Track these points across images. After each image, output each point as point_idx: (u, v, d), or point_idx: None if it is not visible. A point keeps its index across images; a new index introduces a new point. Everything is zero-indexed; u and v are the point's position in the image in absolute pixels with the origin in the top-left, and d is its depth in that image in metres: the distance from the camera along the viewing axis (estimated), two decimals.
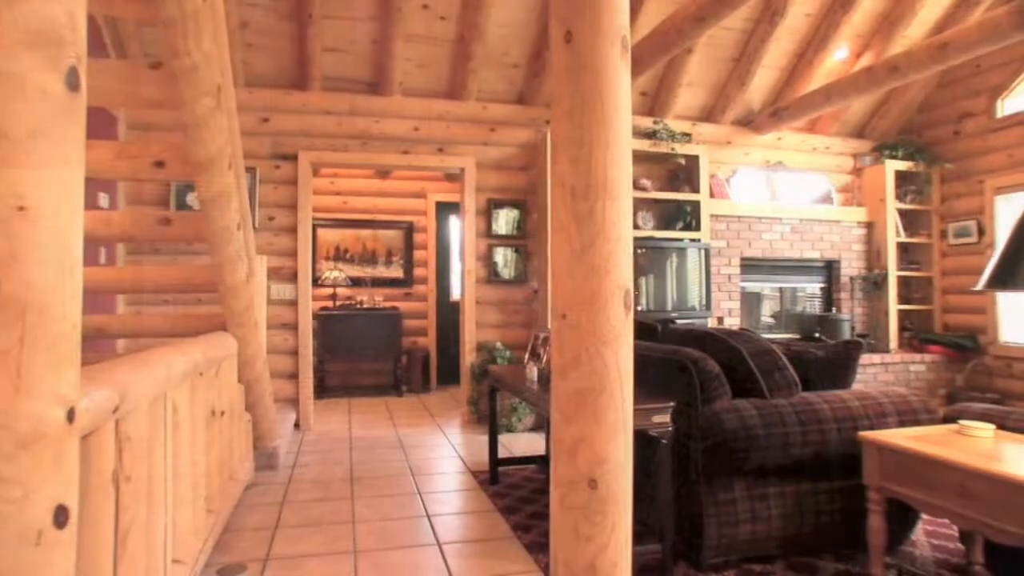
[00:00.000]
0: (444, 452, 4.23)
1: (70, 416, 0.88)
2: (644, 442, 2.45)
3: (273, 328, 4.74)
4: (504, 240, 5.28)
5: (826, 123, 6.01)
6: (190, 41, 1.88)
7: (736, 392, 2.52)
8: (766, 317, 5.91)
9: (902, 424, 2.50)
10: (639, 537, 2.43)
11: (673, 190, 5.40)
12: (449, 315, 7.07)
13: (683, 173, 5.47)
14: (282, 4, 4.34)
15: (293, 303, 4.87)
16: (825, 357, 2.81)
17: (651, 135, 5.27)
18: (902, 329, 5.86)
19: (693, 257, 5.21)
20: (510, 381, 3.32)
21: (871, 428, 2.43)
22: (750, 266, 5.67)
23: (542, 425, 4.75)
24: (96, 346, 4.06)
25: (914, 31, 5.25)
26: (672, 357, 2.56)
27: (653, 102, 5.52)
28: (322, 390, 6.29)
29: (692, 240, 5.27)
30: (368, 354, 6.46)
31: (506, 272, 5.26)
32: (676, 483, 2.47)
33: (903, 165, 5.87)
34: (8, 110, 0.81)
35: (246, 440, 3.31)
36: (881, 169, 5.86)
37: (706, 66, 5.30)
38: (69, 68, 0.87)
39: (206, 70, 1.99)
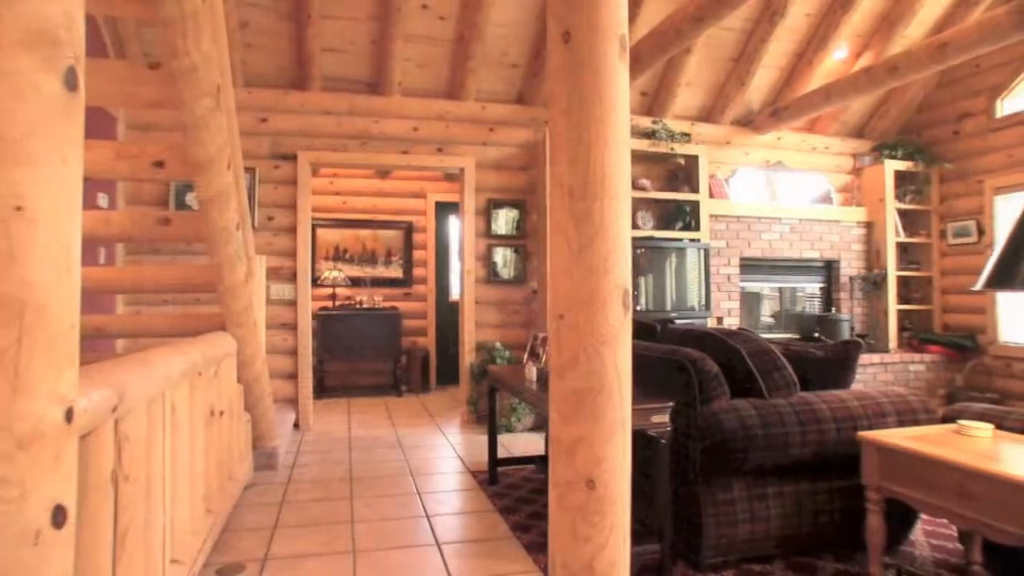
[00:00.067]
0: (443, 452, 4.23)
1: (68, 416, 0.88)
2: (643, 442, 2.45)
3: (272, 328, 4.74)
4: (503, 240, 5.28)
5: (825, 123, 6.01)
6: (189, 41, 1.88)
7: (735, 392, 2.52)
8: (765, 317, 5.91)
9: (901, 424, 2.50)
10: (638, 537, 2.43)
11: (672, 190, 5.40)
12: (448, 315, 7.07)
13: (682, 173, 5.47)
14: (281, 4, 4.34)
15: (292, 303, 4.87)
16: (824, 357, 2.81)
17: (650, 135, 5.27)
18: (901, 329, 5.86)
19: (692, 257, 5.21)
20: (509, 381, 3.32)
21: (870, 428, 2.43)
22: (749, 266, 5.67)
23: (541, 425, 4.75)
24: (95, 346, 4.06)
25: (914, 31, 5.26)
26: (671, 357, 2.56)
27: (652, 102, 5.52)
28: (321, 390, 6.29)
29: (691, 240, 5.27)
30: (367, 354, 6.46)
31: (505, 272, 5.26)
32: (675, 483, 2.47)
33: (903, 165, 5.88)
34: (6, 110, 0.81)
35: (245, 440, 3.31)
36: (880, 169, 5.86)
37: (705, 66, 5.30)
38: (67, 68, 0.87)
39: (205, 70, 1.99)
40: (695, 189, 5.35)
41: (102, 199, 4.17)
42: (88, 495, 1.28)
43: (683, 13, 3.87)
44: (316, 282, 6.36)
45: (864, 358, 5.37)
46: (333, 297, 6.73)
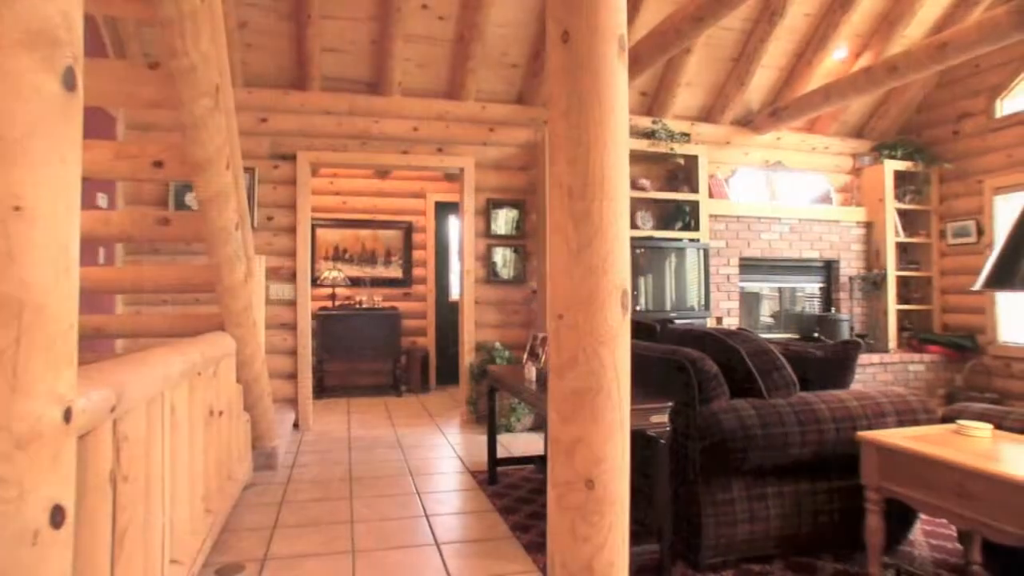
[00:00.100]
0: (443, 452, 4.23)
1: (67, 416, 0.88)
2: (642, 442, 2.45)
3: (272, 328, 4.74)
4: (503, 240, 5.28)
5: (825, 123, 6.01)
6: (188, 41, 1.88)
7: (734, 392, 2.52)
8: (765, 317, 5.91)
9: (901, 424, 2.50)
10: (637, 537, 2.43)
11: (672, 190, 5.40)
12: (448, 315, 7.07)
13: (682, 173, 5.47)
14: (281, 4, 4.33)
15: (292, 303, 4.87)
16: (824, 357, 2.81)
17: (650, 135, 5.27)
18: (901, 329, 5.86)
19: (692, 257, 5.21)
20: (509, 381, 3.32)
21: (869, 428, 2.44)
22: (749, 266, 5.67)
23: (541, 425, 4.75)
24: (95, 346, 4.06)
25: (913, 31, 5.26)
26: (670, 357, 2.56)
27: (652, 102, 5.52)
28: (321, 390, 6.29)
29: (691, 240, 5.27)
30: (367, 354, 6.46)
31: (505, 272, 5.26)
32: (674, 483, 2.47)
33: (902, 165, 5.88)
34: (4, 110, 0.81)
35: (245, 440, 3.31)
36: (880, 169, 5.86)
37: (705, 66, 5.30)
38: (66, 68, 0.87)
39: (204, 70, 1.99)
40: (695, 189, 5.35)
41: (101, 199, 4.17)
42: (86, 495, 1.28)
43: (683, 13, 3.87)
44: (316, 282, 6.37)
45: (864, 358, 5.37)
46: (333, 297, 6.73)
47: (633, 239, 4.89)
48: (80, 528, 1.25)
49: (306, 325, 4.87)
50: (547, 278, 1.36)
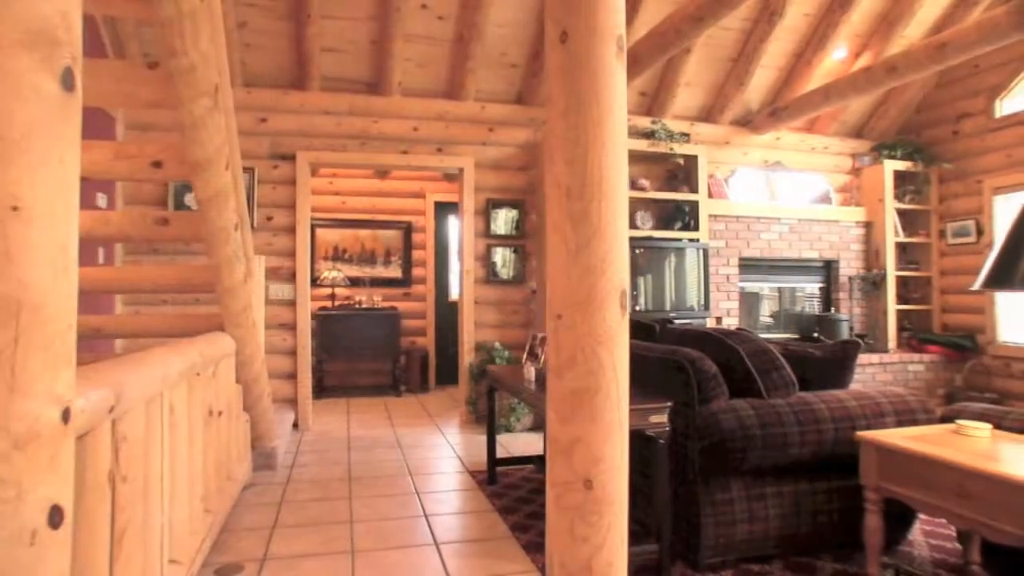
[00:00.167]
0: (442, 452, 4.23)
1: (65, 416, 0.88)
2: (642, 442, 2.45)
3: (271, 328, 4.74)
4: (503, 240, 5.28)
5: (825, 123, 6.01)
6: (187, 41, 1.88)
7: (733, 392, 2.52)
8: (765, 317, 5.91)
9: (900, 424, 2.50)
10: (636, 537, 2.43)
11: (671, 190, 5.40)
12: (448, 315, 7.07)
13: (681, 173, 5.47)
14: (280, 4, 4.33)
15: (292, 303, 4.87)
16: (823, 357, 2.81)
17: (649, 135, 5.27)
18: (901, 329, 5.86)
19: (691, 257, 5.21)
20: (508, 381, 3.32)
21: (869, 428, 2.44)
22: (748, 266, 5.68)
23: (540, 425, 4.75)
24: (94, 346, 4.06)
25: (912, 31, 5.26)
26: (669, 357, 2.56)
27: (652, 102, 5.52)
28: (321, 390, 6.29)
29: (690, 240, 5.27)
30: (367, 354, 6.46)
31: (505, 272, 5.26)
32: (673, 483, 2.47)
33: (902, 165, 5.88)
34: (2, 110, 0.81)
35: (244, 440, 3.31)
36: (880, 169, 5.86)
37: (704, 66, 5.30)
38: (64, 68, 0.87)
39: (203, 70, 1.99)
40: (694, 189, 5.35)
41: (101, 199, 4.17)
42: (85, 495, 1.28)
43: (682, 13, 3.87)
44: (315, 282, 6.37)
45: (863, 358, 5.37)
46: (332, 297, 6.73)
47: (632, 239, 4.89)
48: (78, 528, 1.25)
49: (305, 325, 4.87)
50: (546, 278, 1.36)
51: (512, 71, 5.08)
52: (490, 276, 5.23)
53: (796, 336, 5.66)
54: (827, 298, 5.93)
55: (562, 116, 1.28)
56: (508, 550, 2.62)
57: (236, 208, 2.64)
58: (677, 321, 4.25)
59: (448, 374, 6.88)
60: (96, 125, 4.05)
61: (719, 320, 5.49)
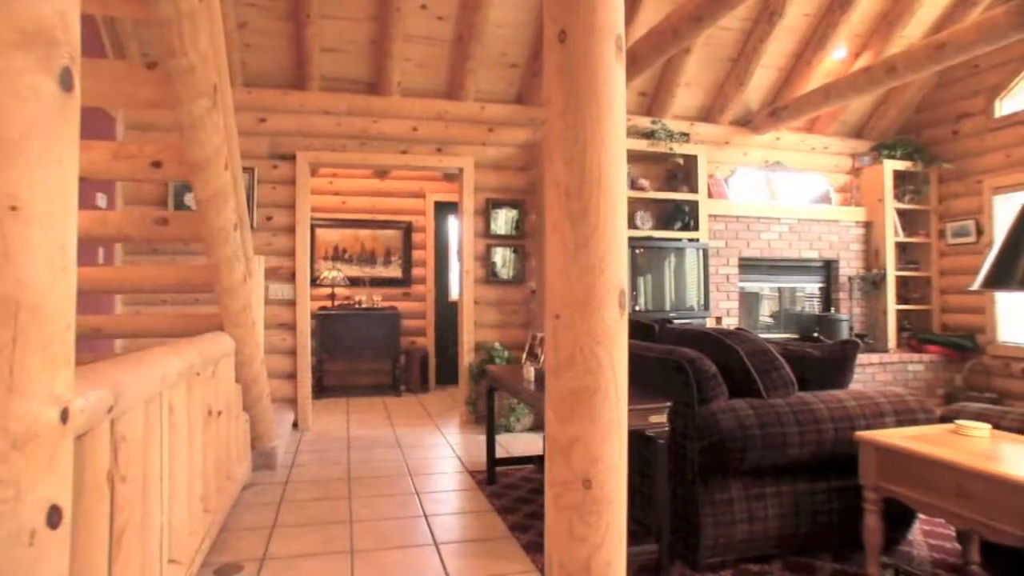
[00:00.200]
0: (442, 452, 4.23)
1: (64, 416, 0.88)
2: (641, 442, 2.45)
3: (271, 328, 4.74)
4: (502, 240, 5.28)
5: (824, 123, 6.01)
6: (186, 41, 1.88)
7: (733, 392, 2.52)
8: (765, 317, 5.91)
9: (899, 424, 2.50)
10: (636, 537, 2.43)
11: (671, 190, 5.40)
12: (447, 315, 7.07)
13: (681, 173, 5.47)
14: (280, 4, 4.33)
15: (291, 303, 4.87)
16: (822, 357, 2.81)
17: (649, 135, 5.27)
18: (900, 329, 5.86)
19: (691, 257, 5.21)
20: (508, 381, 3.32)
21: (868, 428, 2.44)
22: (748, 266, 5.68)
23: (540, 425, 4.75)
24: (94, 346, 4.06)
25: (912, 31, 5.26)
26: (669, 357, 2.56)
27: (651, 102, 5.52)
28: (320, 390, 6.29)
29: (690, 240, 5.27)
30: (366, 354, 6.46)
31: (504, 272, 5.26)
32: (673, 483, 2.47)
33: (901, 165, 5.88)
34: (0, 110, 0.81)
35: (244, 440, 3.31)
36: (879, 169, 5.86)
37: (704, 66, 5.30)
38: (62, 68, 0.87)
39: (202, 70, 1.99)
40: (694, 189, 5.35)
41: (101, 199, 4.17)
42: (84, 495, 1.28)
43: (682, 13, 3.87)
44: (315, 282, 6.37)
45: (863, 358, 5.37)
46: (332, 297, 6.73)
47: (632, 239, 4.89)
48: (77, 528, 1.25)
49: (305, 325, 4.87)
50: (545, 278, 1.37)
51: (512, 71, 5.08)
52: (490, 276, 5.23)
53: (796, 336, 5.67)
54: (827, 298, 5.93)
55: (561, 115, 1.28)
56: (508, 550, 2.63)
57: (235, 208, 2.64)
58: (677, 321, 4.25)
59: (448, 374, 6.88)
60: (96, 125, 4.05)
61: (719, 320, 5.49)
